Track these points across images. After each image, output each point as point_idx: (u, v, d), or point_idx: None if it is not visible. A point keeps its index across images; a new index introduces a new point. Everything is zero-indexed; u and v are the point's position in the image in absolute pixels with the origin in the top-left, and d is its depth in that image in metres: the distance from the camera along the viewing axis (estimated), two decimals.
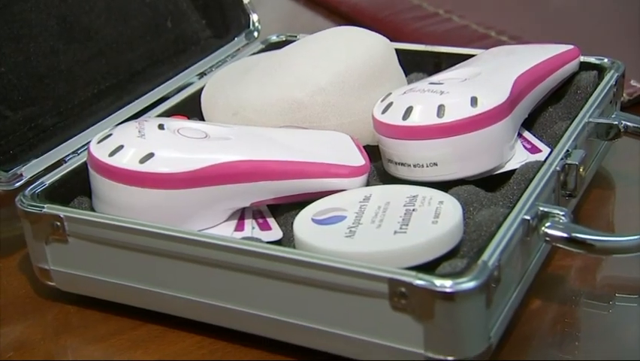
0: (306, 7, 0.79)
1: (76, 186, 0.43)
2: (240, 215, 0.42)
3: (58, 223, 0.39)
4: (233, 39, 0.58)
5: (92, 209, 0.41)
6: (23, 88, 0.46)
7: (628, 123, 0.45)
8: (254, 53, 0.57)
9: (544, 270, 0.40)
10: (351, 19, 0.72)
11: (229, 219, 0.42)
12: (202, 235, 0.37)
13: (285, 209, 0.42)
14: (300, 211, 0.39)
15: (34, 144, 0.45)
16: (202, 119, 0.50)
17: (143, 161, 0.39)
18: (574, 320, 0.38)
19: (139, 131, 0.40)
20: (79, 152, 0.45)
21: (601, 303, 0.38)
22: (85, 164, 0.42)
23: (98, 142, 0.40)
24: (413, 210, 0.37)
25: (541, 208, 0.37)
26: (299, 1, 0.81)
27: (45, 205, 0.40)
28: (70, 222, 0.39)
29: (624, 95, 0.53)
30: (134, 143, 0.39)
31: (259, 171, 0.41)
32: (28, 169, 0.43)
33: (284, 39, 0.58)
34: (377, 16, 0.71)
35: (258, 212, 0.43)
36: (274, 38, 0.59)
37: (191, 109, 0.51)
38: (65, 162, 0.44)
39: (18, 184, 0.42)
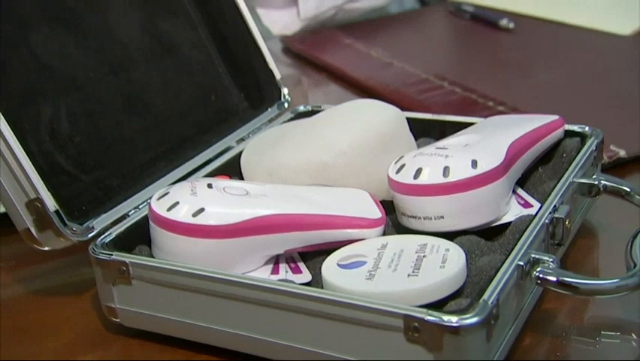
0: (329, 81, 0.79)
1: (137, 237, 0.43)
2: (275, 260, 0.42)
3: (124, 268, 0.39)
4: (267, 110, 0.58)
5: (152, 256, 0.42)
6: (94, 155, 0.47)
7: (606, 183, 0.46)
8: (285, 122, 0.57)
9: (537, 309, 0.40)
10: (368, 91, 0.73)
11: (266, 264, 0.42)
12: (245, 277, 0.37)
13: (313, 255, 0.42)
14: (326, 257, 0.40)
15: (103, 202, 0.45)
16: (242, 178, 0.50)
17: (195, 215, 0.39)
18: (564, 354, 0.38)
19: (191, 190, 0.41)
20: (140, 207, 0.46)
21: (588, 339, 0.38)
22: (145, 217, 0.43)
23: (158, 199, 0.41)
24: (423, 256, 0.38)
25: (533, 255, 0.37)
26: (321, 74, 0.81)
27: (113, 253, 0.40)
28: (134, 267, 0.39)
29: (605, 158, 0.53)
30: (188, 200, 0.40)
31: (291, 223, 0.41)
32: (98, 223, 0.44)
33: (310, 109, 0.58)
34: (390, 89, 0.71)
35: (291, 258, 0.43)
36: (302, 108, 0.58)
37: (233, 170, 0.51)
38: (128, 216, 0.45)
39: (90, 235, 0.43)
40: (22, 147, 0.41)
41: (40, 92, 0.46)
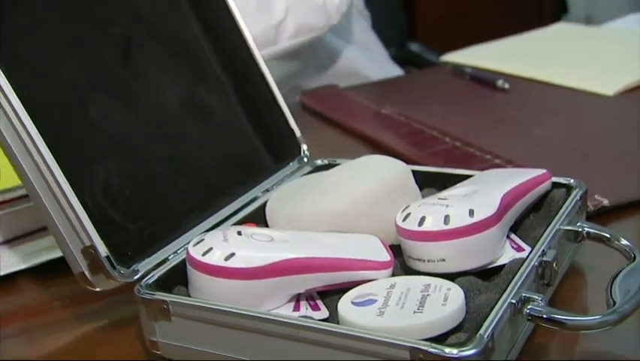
0: (343, 136, 0.78)
1: (176, 278, 0.43)
2: (297, 298, 0.42)
3: (165, 306, 0.40)
4: (289, 164, 0.58)
5: (189, 295, 0.42)
6: (139, 206, 0.47)
7: (589, 230, 0.46)
8: (305, 174, 0.56)
9: (530, 342, 0.40)
10: (378, 146, 0.72)
11: (288, 301, 0.42)
12: (270, 314, 0.38)
13: (330, 294, 0.42)
14: (342, 296, 0.40)
15: (146, 247, 0.45)
16: (267, 226, 0.50)
17: (227, 259, 0.40)
18: None
19: (223, 237, 0.41)
20: (178, 252, 0.46)
21: None
22: (183, 261, 0.43)
23: (194, 245, 0.41)
24: (427, 295, 0.38)
25: (524, 295, 0.38)
26: (335, 129, 0.80)
27: (155, 293, 0.41)
28: (174, 305, 0.40)
29: (590, 206, 0.53)
30: (220, 245, 0.40)
31: (311, 265, 0.41)
32: (142, 266, 0.44)
33: (327, 163, 0.58)
34: (398, 144, 0.71)
35: (310, 296, 0.43)
36: (319, 162, 0.58)
37: (259, 218, 0.51)
38: (168, 260, 0.45)
39: (135, 277, 0.43)
40: (79, 200, 0.42)
41: (94, 153, 0.46)
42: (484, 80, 0.88)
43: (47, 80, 0.45)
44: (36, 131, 0.41)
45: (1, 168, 0.45)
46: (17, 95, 0.41)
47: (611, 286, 0.39)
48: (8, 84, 0.41)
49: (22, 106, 0.41)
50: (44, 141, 0.42)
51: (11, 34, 0.44)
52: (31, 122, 0.41)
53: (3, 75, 0.40)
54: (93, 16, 0.50)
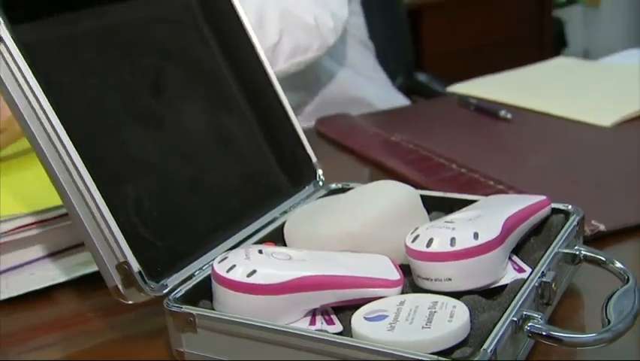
0: (355, 161, 0.78)
1: (202, 293, 0.44)
2: (313, 313, 0.42)
3: (191, 319, 0.40)
4: (305, 187, 0.58)
5: (213, 309, 0.42)
6: (168, 226, 0.47)
7: (586, 253, 0.46)
8: (320, 197, 0.56)
9: (530, 357, 0.40)
10: (388, 171, 0.72)
11: (305, 316, 0.42)
12: (288, 327, 0.39)
13: (344, 309, 0.42)
14: (355, 311, 0.40)
15: (174, 264, 0.46)
16: (285, 245, 0.50)
17: (249, 276, 0.40)
18: None
19: (246, 255, 0.42)
20: (203, 268, 0.46)
21: None
22: (208, 277, 0.43)
23: (219, 262, 0.42)
24: (435, 311, 0.39)
25: (525, 313, 0.38)
26: (350, 155, 0.80)
27: (183, 306, 0.41)
28: (200, 318, 0.40)
29: (587, 231, 0.53)
30: (243, 263, 0.41)
31: (326, 283, 0.42)
32: (171, 281, 0.44)
33: (341, 186, 0.58)
34: (407, 169, 0.71)
35: (325, 311, 0.43)
36: (334, 186, 0.58)
37: (277, 238, 0.51)
38: (194, 276, 0.45)
39: (164, 292, 0.44)
40: (115, 219, 0.43)
41: (127, 176, 0.47)
42: (487, 110, 0.88)
43: (87, 109, 0.46)
44: (77, 156, 0.42)
45: (44, 189, 0.46)
46: (62, 124, 0.42)
47: (606, 306, 0.39)
48: (54, 114, 0.42)
49: (65, 134, 0.42)
50: (84, 164, 0.42)
51: (58, 70, 0.45)
52: (73, 147, 0.42)
53: (50, 107, 0.42)
54: (127, 51, 0.51)
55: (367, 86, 1.13)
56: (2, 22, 0.41)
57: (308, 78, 1.04)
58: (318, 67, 1.05)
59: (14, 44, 0.41)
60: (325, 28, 0.90)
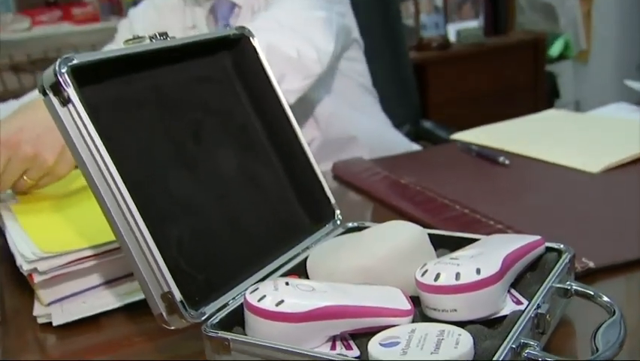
0: (371, 203, 0.78)
1: (235, 320, 0.44)
2: (333, 339, 0.43)
3: (226, 343, 0.41)
4: (325, 226, 0.58)
5: (246, 334, 0.43)
6: (205, 261, 0.48)
7: (577, 288, 0.46)
8: (338, 235, 0.57)
9: None
10: (399, 211, 0.72)
11: (326, 341, 0.43)
12: (312, 351, 0.40)
13: (360, 336, 0.43)
14: (370, 338, 0.41)
15: (210, 294, 0.46)
16: (307, 278, 0.51)
17: (277, 305, 0.41)
18: None
19: (274, 287, 0.43)
20: (236, 298, 0.46)
21: None
22: (240, 306, 0.44)
23: (250, 293, 0.43)
24: (442, 339, 0.39)
25: (522, 340, 0.39)
26: (364, 196, 0.80)
27: (219, 332, 0.42)
28: (234, 342, 0.41)
29: (578, 267, 0.53)
30: (272, 293, 0.42)
31: (345, 312, 0.42)
32: (208, 309, 0.45)
33: (357, 225, 0.58)
34: (416, 210, 0.71)
35: (344, 337, 0.43)
36: (350, 225, 0.58)
37: (300, 271, 0.51)
38: (228, 305, 0.46)
39: (202, 319, 0.44)
40: (160, 254, 0.43)
41: (171, 216, 0.48)
42: (487, 156, 0.88)
43: (139, 157, 0.48)
44: (130, 198, 0.44)
45: (100, 227, 0.48)
46: (117, 171, 0.44)
47: (595, 336, 0.40)
48: (112, 163, 0.44)
49: (120, 179, 0.44)
50: (135, 206, 0.44)
51: (115, 125, 0.47)
52: (126, 191, 0.44)
53: (108, 156, 0.43)
54: (173, 107, 0.53)
55: (368, 127, 1.14)
56: (72, 85, 0.43)
57: (316, 119, 1.06)
58: (323, 108, 1.06)
59: (81, 104, 0.43)
60: (308, 59, 0.90)
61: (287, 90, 0.87)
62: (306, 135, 1.02)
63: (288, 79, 0.88)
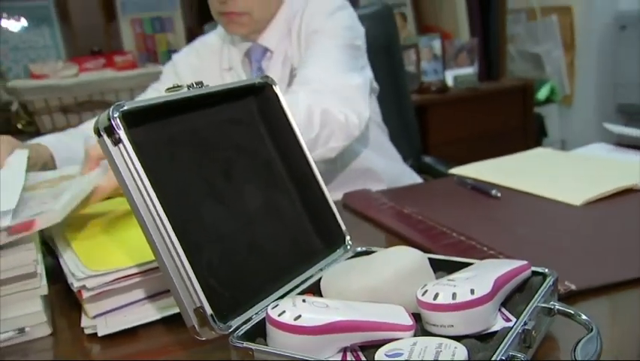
0: (377, 230, 0.79)
1: (258, 332, 0.45)
2: (344, 350, 0.43)
3: (250, 352, 0.42)
4: (337, 250, 0.58)
5: (267, 345, 0.43)
6: (231, 280, 0.48)
7: (559, 308, 0.47)
8: (348, 258, 0.57)
9: None
10: (402, 237, 0.72)
11: (338, 352, 0.43)
12: None
13: (368, 348, 0.43)
14: (377, 350, 0.41)
15: (236, 309, 0.47)
16: (321, 296, 0.51)
17: (295, 319, 0.42)
18: None
19: (293, 303, 0.43)
20: (258, 313, 0.47)
21: None
22: (263, 320, 0.44)
23: (272, 308, 0.43)
24: (440, 351, 0.39)
25: (511, 353, 0.40)
26: (370, 224, 0.80)
27: (244, 343, 0.42)
28: (257, 352, 0.42)
29: (561, 289, 0.53)
30: (291, 309, 0.42)
31: (355, 326, 0.43)
32: (234, 323, 0.45)
33: (365, 250, 0.58)
34: (417, 237, 0.71)
35: (354, 349, 0.43)
36: (359, 249, 0.58)
37: (315, 290, 0.52)
38: (252, 319, 0.46)
39: (229, 331, 0.44)
40: (194, 274, 0.44)
41: (203, 240, 0.48)
42: (481, 189, 0.88)
43: (177, 190, 0.49)
44: (169, 225, 0.45)
45: (142, 248, 0.48)
46: (159, 202, 0.45)
47: (575, 349, 0.41)
48: (155, 195, 0.45)
49: (162, 208, 0.45)
50: (173, 232, 0.45)
51: (157, 161, 0.49)
52: (167, 219, 0.45)
53: (152, 189, 0.45)
54: (207, 146, 0.54)
55: (380, 160, 1.16)
56: (123, 128, 0.45)
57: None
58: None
59: (130, 145, 0.45)
60: (352, 124, 0.97)
61: (332, 147, 0.96)
62: (322, 169, 1.04)
63: (335, 138, 0.96)
